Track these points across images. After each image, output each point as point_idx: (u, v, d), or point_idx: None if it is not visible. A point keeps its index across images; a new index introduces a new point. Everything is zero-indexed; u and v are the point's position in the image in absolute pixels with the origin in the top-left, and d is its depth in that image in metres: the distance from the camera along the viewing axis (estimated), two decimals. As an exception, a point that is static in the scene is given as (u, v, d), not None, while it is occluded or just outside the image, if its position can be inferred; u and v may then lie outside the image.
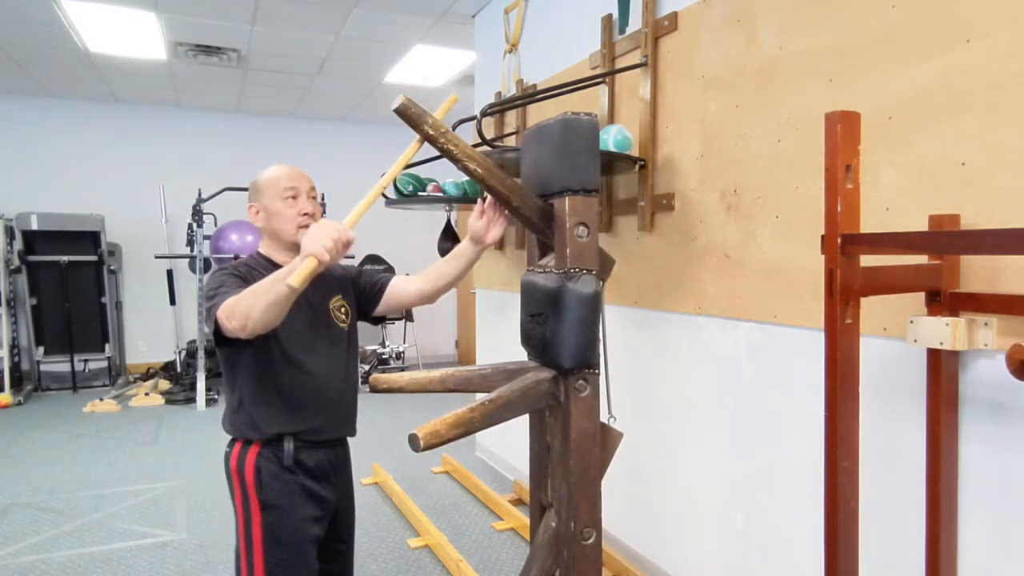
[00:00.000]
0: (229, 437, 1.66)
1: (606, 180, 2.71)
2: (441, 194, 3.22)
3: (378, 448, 4.25)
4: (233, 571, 2.70)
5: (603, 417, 1.69)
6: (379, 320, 1.90)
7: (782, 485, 1.94)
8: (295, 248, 1.55)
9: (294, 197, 1.61)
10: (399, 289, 1.81)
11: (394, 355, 7.14)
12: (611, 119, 2.67)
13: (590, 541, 1.64)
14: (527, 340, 1.74)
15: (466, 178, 3.34)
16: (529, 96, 2.73)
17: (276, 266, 1.58)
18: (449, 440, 1.47)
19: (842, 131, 1.23)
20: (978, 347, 1.36)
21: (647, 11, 2.42)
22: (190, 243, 6.08)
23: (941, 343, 1.35)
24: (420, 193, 3.07)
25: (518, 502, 3.42)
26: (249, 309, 1.34)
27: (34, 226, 6.04)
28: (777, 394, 1.95)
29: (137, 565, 2.77)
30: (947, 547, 1.44)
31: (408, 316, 7.14)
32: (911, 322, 1.41)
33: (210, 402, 5.65)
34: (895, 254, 1.38)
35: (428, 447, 1.42)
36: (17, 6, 4.18)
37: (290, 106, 6.88)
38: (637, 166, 2.44)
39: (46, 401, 5.87)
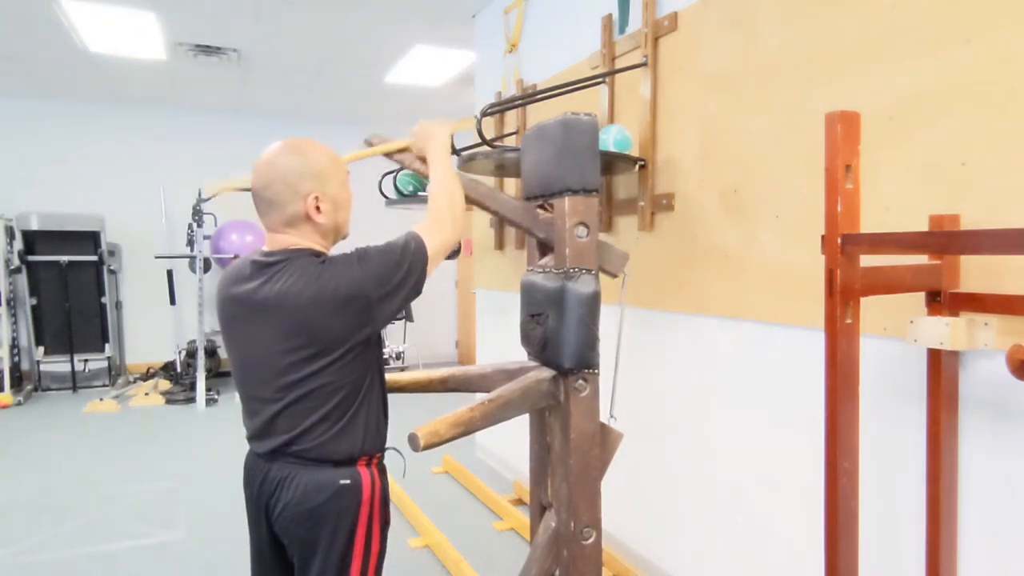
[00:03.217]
0: (334, 459, 1.34)
1: (606, 180, 2.71)
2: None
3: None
4: (229, 571, 2.71)
5: (603, 417, 1.70)
6: None
7: (782, 485, 1.94)
8: (332, 244, 1.44)
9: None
10: None
11: (394, 355, 7.14)
12: (611, 119, 2.67)
13: (590, 541, 1.64)
14: (527, 340, 1.74)
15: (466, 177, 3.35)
16: (529, 96, 2.73)
17: None
18: (449, 439, 1.47)
19: (842, 131, 1.23)
20: (978, 347, 1.36)
21: (647, 11, 2.42)
22: (190, 243, 6.08)
23: (941, 343, 1.35)
24: (420, 193, 3.07)
25: (518, 502, 3.42)
26: (459, 207, 1.46)
27: (34, 226, 6.04)
28: (777, 394, 1.95)
29: (137, 565, 2.77)
30: (947, 547, 1.44)
31: (408, 316, 7.14)
32: (911, 322, 1.41)
33: (210, 402, 5.65)
34: (895, 254, 1.38)
35: (428, 446, 1.42)
36: (17, 6, 4.18)
37: (290, 106, 6.88)
38: (637, 166, 2.45)
39: (46, 401, 5.86)
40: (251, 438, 1.42)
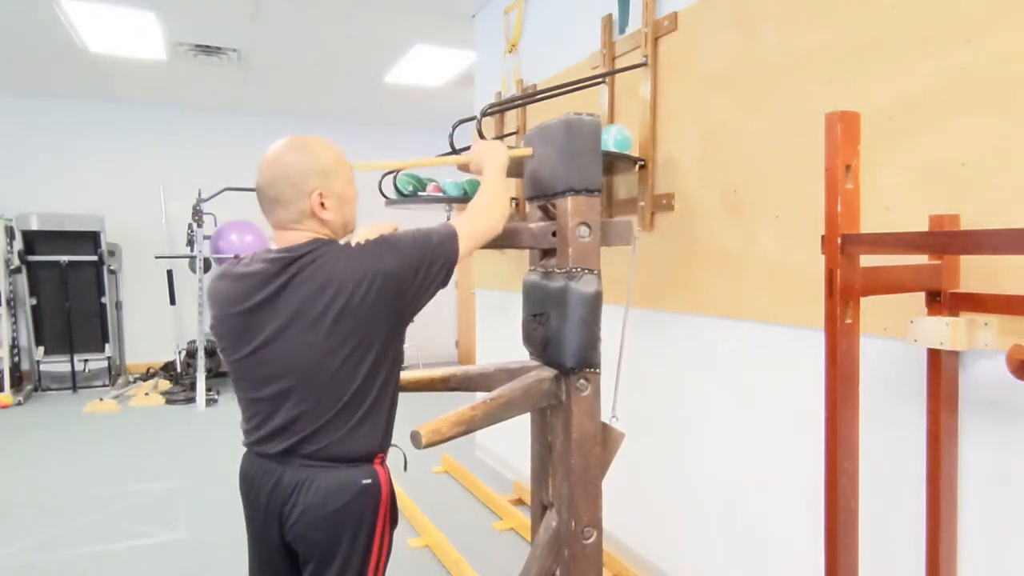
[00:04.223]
0: (352, 457, 1.32)
1: (606, 180, 2.71)
2: (441, 194, 3.22)
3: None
4: (229, 571, 2.71)
5: (605, 417, 1.70)
6: None
7: (782, 485, 1.94)
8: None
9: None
10: None
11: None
12: (611, 119, 2.67)
13: (590, 541, 1.64)
14: (528, 339, 1.75)
15: (466, 178, 3.35)
16: (529, 96, 2.73)
17: None
18: (451, 438, 1.47)
19: (842, 131, 1.24)
20: (978, 347, 1.36)
21: (647, 11, 2.42)
22: (190, 243, 6.08)
23: (941, 343, 1.35)
24: (420, 193, 3.08)
25: (518, 502, 3.42)
26: (500, 207, 1.49)
27: (34, 226, 6.04)
28: (777, 394, 1.95)
29: (137, 565, 2.77)
30: (947, 547, 1.44)
31: (408, 316, 7.13)
32: (911, 322, 1.41)
33: (210, 402, 5.65)
34: (895, 254, 1.38)
35: (430, 444, 1.42)
36: (17, 6, 4.18)
37: (290, 106, 6.88)
38: (637, 166, 2.45)
39: (46, 401, 5.86)
40: (257, 441, 1.36)
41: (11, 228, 6.01)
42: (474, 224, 1.44)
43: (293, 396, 1.30)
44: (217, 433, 4.80)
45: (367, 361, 1.30)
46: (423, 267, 1.32)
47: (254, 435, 1.37)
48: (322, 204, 1.32)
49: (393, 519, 1.40)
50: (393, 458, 1.46)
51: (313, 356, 1.28)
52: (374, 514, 1.33)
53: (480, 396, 1.59)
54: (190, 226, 6.04)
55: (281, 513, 1.33)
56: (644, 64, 2.43)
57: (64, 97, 6.51)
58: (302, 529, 1.31)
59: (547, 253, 1.74)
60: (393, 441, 1.47)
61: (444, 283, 1.37)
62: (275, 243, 1.36)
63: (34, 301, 6.16)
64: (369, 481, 1.32)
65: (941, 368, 1.42)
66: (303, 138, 1.36)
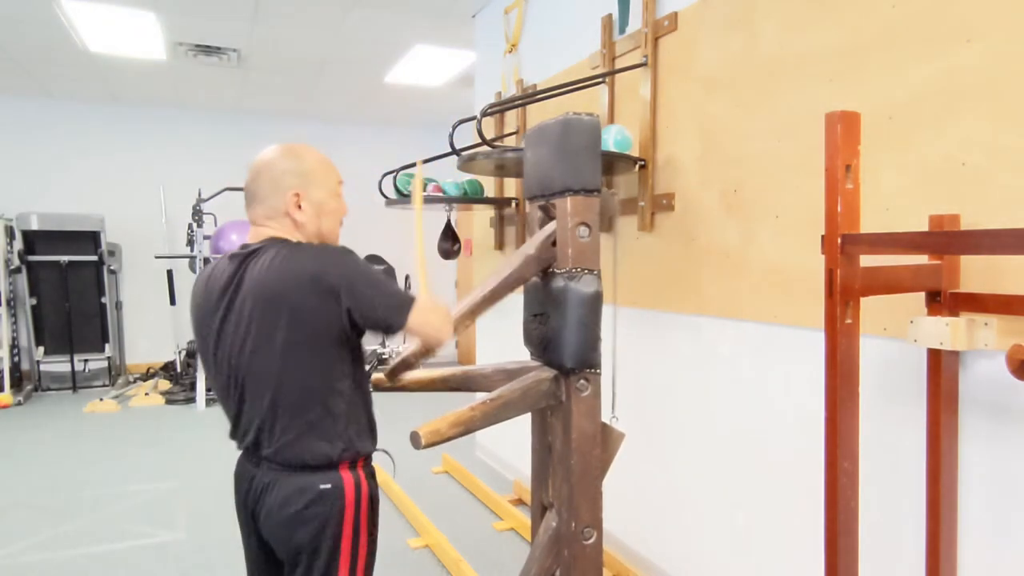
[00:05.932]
0: (311, 463, 1.31)
1: (606, 180, 2.71)
2: (441, 194, 3.22)
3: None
4: (229, 571, 2.71)
5: (605, 417, 1.70)
6: None
7: (782, 485, 1.94)
8: None
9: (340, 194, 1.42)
10: None
11: (394, 355, 7.13)
12: (611, 119, 2.67)
13: (590, 541, 1.64)
14: (529, 340, 1.75)
15: (466, 178, 3.35)
16: (529, 96, 2.73)
17: None
18: (450, 438, 1.48)
19: (842, 131, 1.24)
20: (978, 347, 1.36)
21: (647, 11, 2.42)
22: (190, 243, 6.08)
23: (941, 343, 1.35)
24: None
25: (518, 502, 3.42)
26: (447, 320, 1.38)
27: (34, 226, 6.04)
28: (777, 394, 1.95)
29: (137, 565, 2.77)
30: (947, 547, 1.44)
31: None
32: (911, 322, 1.41)
33: (210, 402, 5.64)
34: (895, 254, 1.38)
35: (429, 445, 1.42)
36: (17, 6, 4.17)
37: (290, 106, 6.88)
38: (637, 166, 2.45)
39: (46, 401, 5.86)
40: (236, 443, 1.42)
41: (11, 228, 6.01)
42: (430, 319, 1.33)
43: (247, 399, 1.33)
44: (217, 433, 4.80)
45: (313, 367, 1.28)
46: (368, 289, 1.26)
47: (232, 435, 1.43)
48: (298, 205, 1.33)
49: (371, 523, 1.38)
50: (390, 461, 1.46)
51: (255, 361, 1.28)
52: (336, 520, 1.31)
53: (480, 396, 1.59)
54: (190, 226, 6.04)
55: (255, 511, 1.38)
56: (644, 64, 2.43)
57: (64, 97, 6.51)
58: (270, 528, 1.35)
59: (547, 253, 1.74)
60: (393, 444, 1.48)
61: (384, 323, 1.29)
62: (248, 239, 1.39)
63: (34, 301, 6.16)
64: (328, 487, 1.31)
65: (941, 368, 1.42)
66: (293, 144, 1.39)
